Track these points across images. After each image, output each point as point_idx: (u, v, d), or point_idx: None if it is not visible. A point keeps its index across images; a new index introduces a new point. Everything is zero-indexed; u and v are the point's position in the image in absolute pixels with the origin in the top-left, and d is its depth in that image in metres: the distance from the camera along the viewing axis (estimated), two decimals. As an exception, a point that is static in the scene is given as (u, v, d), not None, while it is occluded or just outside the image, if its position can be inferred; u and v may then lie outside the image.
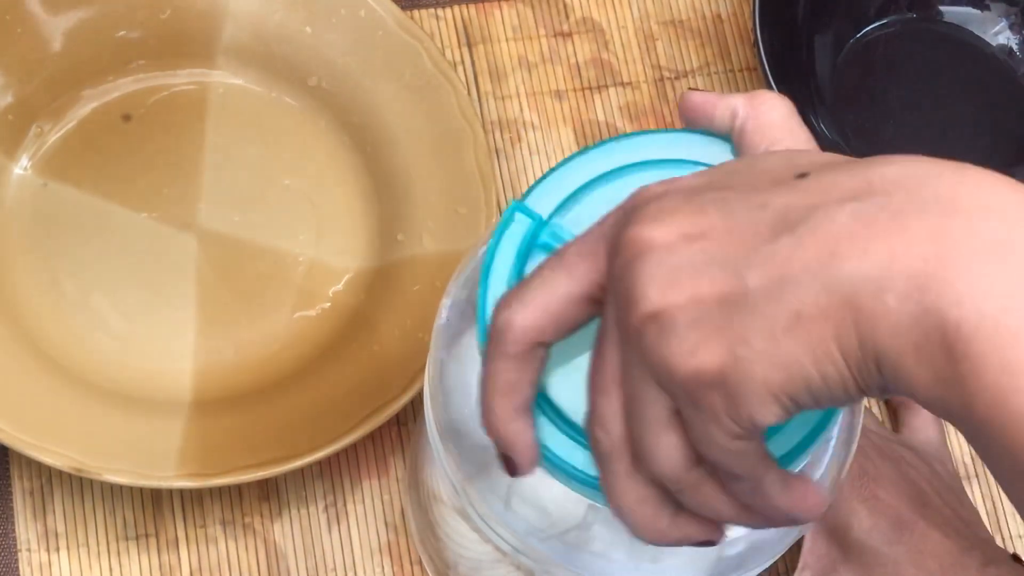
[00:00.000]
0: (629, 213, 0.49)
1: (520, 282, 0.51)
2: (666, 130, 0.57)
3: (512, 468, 0.53)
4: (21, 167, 0.81)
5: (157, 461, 0.73)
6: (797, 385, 0.46)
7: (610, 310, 0.49)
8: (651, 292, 0.47)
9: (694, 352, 0.46)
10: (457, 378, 0.59)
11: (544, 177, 0.56)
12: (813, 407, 0.47)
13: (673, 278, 0.47)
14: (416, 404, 0.79)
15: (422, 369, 0.76)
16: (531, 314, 0.50)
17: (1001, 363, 0.43)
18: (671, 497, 0.50)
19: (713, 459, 0.48)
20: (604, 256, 0.50)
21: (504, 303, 0.51)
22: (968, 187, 0.46)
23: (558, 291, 0.50)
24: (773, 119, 0.55)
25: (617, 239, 0.49)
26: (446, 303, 0.61)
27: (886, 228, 0.45)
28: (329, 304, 0.80)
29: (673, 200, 0.48)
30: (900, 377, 0.45)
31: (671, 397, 0.48)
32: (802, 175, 0.48)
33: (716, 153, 0.56)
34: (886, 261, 0.44)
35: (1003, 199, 0.46)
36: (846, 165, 0.47)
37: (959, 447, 0.81)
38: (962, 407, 0.44)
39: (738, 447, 0.48)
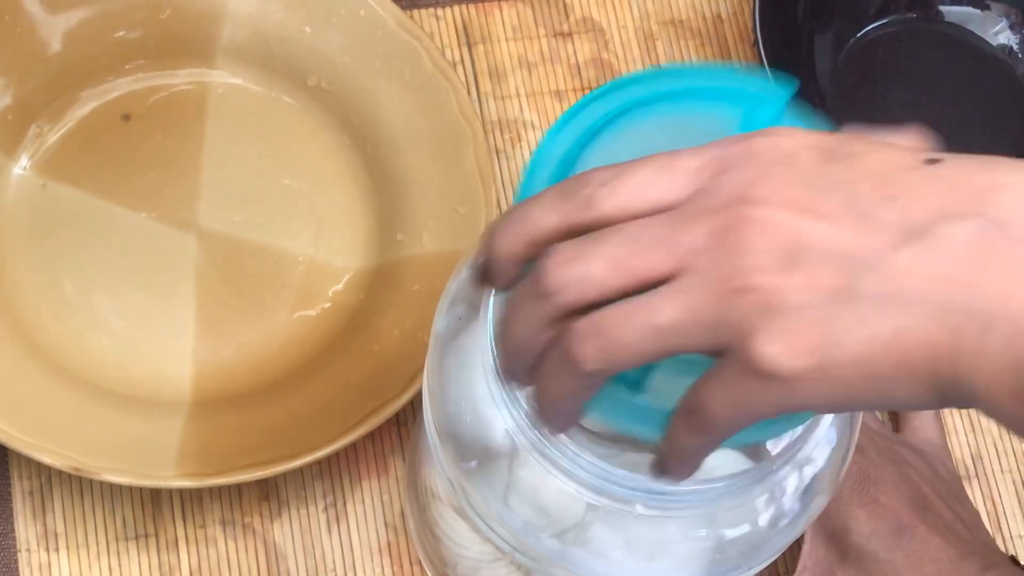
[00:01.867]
0: (744, 167, 0.47)
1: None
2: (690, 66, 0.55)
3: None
4: (20, 167, 0.81)
5: (156, 461, 0.73)
6: (871, 396, 0.46)
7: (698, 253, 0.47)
8: (764, 262, 0.45)
9: (787, 342, 0.45)
10: (456, 377, 0.59)
11: (571, 112, 0.54)
12: (865, 410, 0.47)
13: (793, 258, 0.46)
14: (416, 404, 0.79)
15: (422, 369, 0.75)
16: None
17: None
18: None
19: (713, 411, 0.47)
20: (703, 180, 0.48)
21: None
22: None
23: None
24: None
25: (735, 191, 0.47)
26: (446, 301, 0.62)
27: (1004, 259, 0.44)
28: (329, 304, 0.80)
29: (798, 172, 0.47)
30: (992, 413, 0.44)
31: (728, 350, 0.46)
32: (932, 160, 0.46)
33: (753, 89, 0.55)
34: (998, 297, 0.44)
35: None
36: (977, 160, 0.46)
37: (959, 447, 0.81)
38: None
39: (739, 422, 0.47)
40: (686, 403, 0.48)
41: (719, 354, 0.47)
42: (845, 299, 0.45)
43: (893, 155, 0.47)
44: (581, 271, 0.48)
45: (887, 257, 0.45)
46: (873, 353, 0.45)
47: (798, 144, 0.48)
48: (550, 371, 0.49)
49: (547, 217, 0.49)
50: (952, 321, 0.44)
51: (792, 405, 0.46)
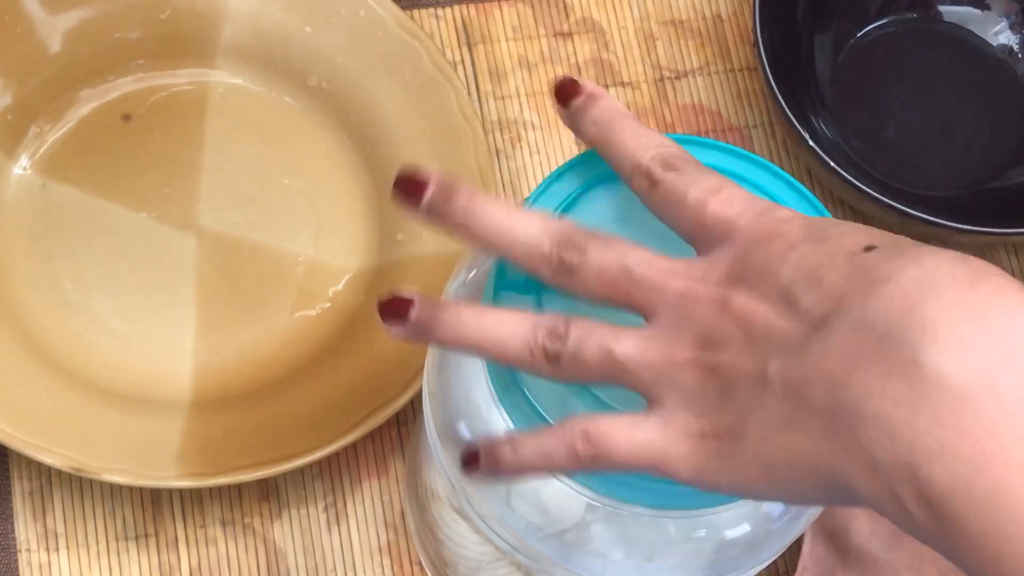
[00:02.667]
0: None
1: None
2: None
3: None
4: (21, 167, 0.81)
5: (157, 461, 0.73)
6: (762, 486, 0.48)
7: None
8: (689, 338, 0.50)
9: (696, 426, 0.49)
10: (456, 376, 0.59)
11: (551, 179, 0.57)
12: (771, 501, 0.49)
13: (712, 340, 0.49)
14: (416, 404, 0.79)
15: (421, 369, 0.75)
16: None
17: (981, 528, 0.42)
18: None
19: (614, 448, 0.50)
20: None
21: None
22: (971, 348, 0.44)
23: None
24: None
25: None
26: (448, 293, 0.62)
27: (869, 357, 0.45)
28: (329, 304, 0.80)
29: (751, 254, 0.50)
30: (881, 511, 0.45)
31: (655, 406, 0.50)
32: (869, 248, 0.48)
33: (712, 156, 0.57)
34: (862, 397, 0.44)
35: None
36: (903, 249, 0.47)
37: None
38: (947, 553, 0.44)
39: (627, 468, 0.51)
40: (587, 424, 0.51)
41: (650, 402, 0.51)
42: (754, 384, 0.48)
43: (847, 237, 0.49)
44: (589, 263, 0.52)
45: (800, 346, 0.47)
46: (768, 440, 0.47)
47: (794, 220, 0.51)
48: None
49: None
50: (841, 422, 0.45)
51: (690, 483, 0.50)
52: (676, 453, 0.50)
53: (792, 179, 0.57)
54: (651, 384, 0.50)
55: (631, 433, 0.50)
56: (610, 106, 0.56)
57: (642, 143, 0.54)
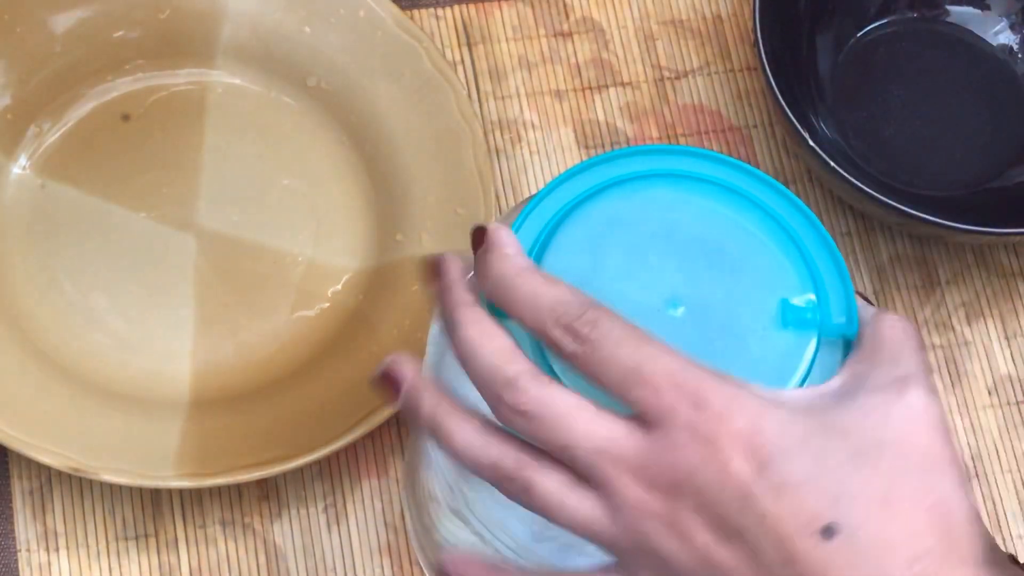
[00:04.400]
0: (684, 456, 0.50)
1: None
2: (637, 148, 0.58)
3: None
4: (20, 166, 0.81)
5: (155, 461, 0.73)
6: None
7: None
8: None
9: None
10: (453, 377, 0.59)
11: (533, 202, 0.57)
12: None
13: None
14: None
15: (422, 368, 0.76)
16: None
17: None
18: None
19: None
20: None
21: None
22: None
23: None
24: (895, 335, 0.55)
25: (674, 483, 0.50)
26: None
27: None
28: (328, 304, 0.80)
29: (723, 495, 0.50)
30: None
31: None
32: (828, 531, 0.49)
33: (697, 165, 0.57)
34: None
35: None
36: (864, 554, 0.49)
37: (959, 447, 0.81)
38: None
39: None
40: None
41: None
42: None
43: (807, 502, 0.50)
44: (535, 434, 0.52)
45: None
46: None
47: (736, 448, 0.50)
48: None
49: (525, 316, 0.53)
50: None
51: None
52: None
53: (782, 187, 0.57)
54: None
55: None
56: (504, 261, 0.54)
57: (539, 304, 0.53)
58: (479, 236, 0.54)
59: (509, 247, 0.54)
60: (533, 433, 0.51)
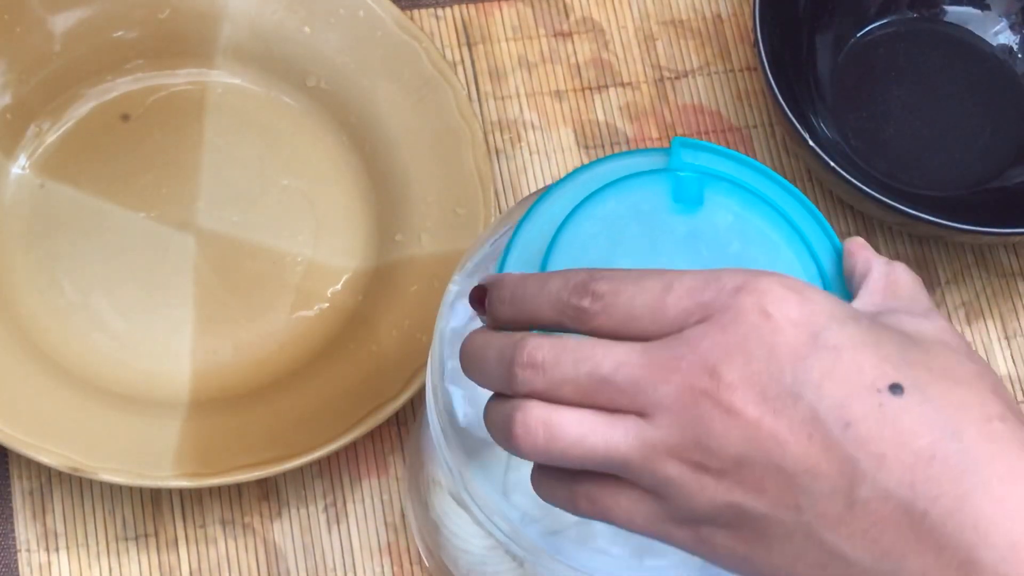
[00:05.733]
0: (722, 330, 0.49)
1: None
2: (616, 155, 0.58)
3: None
4: (19, 166, 0.81)
5: (154, 461, 0.73)
6: None
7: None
8: (716, 454, 0.49)
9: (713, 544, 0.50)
10: (459, 371, 0.59)
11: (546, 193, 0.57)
12: None
13: (743, 463, 0.48)
14: (416, 403, 0.79)
15: (420, 369, 0.76)
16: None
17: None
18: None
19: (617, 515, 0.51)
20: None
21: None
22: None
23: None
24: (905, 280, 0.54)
25: (708, 360, 0.49)
26: (452, 289, 0.62)
27: (932, 548, 0.47)
28: (327, 304, 0.80)
29: (770, 362, 0.48)
30: None
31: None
32: (895, 387, 0.48)
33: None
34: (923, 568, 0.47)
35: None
36: (936, 405, 0.48)
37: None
38: None
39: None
40: (590, 492, 0.52)
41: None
42: (780, 531, 0.48)
43: (866, 363, 0.48)
44: (554, 377, 0.50)
45: (829, 497, 0.47)
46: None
47: (784, 319, 0.48)
48: (493, 431, 0.53)
49: (543, 310, 0.52)
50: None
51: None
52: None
53: (790, 185, 0.57)
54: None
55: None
56: (507, 280, 0.54)
57: (551, 287, 0.52)
58: (480, 294, 0.54)
59: (506, 274, 0.54)
60: (554, 377, 0.50)
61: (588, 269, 0.51)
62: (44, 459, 0.72)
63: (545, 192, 0.57)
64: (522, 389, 0.51)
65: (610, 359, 0.50)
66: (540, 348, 0.50)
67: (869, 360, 0.48)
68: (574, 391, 0.50)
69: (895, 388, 0.48)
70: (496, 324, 0.53)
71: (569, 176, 0.57)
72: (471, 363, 0.54)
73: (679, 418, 0.49)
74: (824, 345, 0.48)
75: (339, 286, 0.81)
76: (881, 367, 0.48)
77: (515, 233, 0.56)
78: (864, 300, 0.53)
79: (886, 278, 0.53)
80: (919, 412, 0.47)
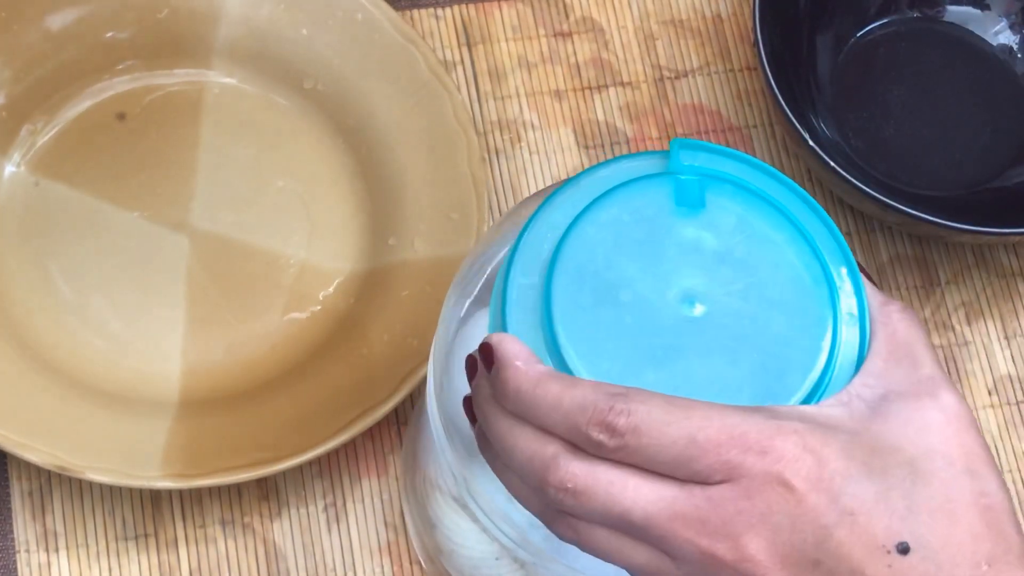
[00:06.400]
0: (759, 488, 0.50)
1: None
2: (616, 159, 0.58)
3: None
4: (14, 164, 0.81)
5: (142, 460, 0.73)
6: None
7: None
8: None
9: None
10: (462, 371, 0.59)
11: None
12: None
13: None
14: (409, 407, 0.79)
15: (411, 374, 0.75)
16: None
17: None
18: None
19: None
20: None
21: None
22: None
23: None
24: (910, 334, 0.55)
25: (739, 523, 0.50)
26: (452, 298, 0.62)
27: None
28: (319, 307, 0.80)
29: (800, 524, 0.50)
30: None
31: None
32: (903, 549, 0.50)
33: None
34: None
35: None
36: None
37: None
38: None
39: None
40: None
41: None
42: None
43: (879, 525, 0.50)
44: (584, 506, 0.51)
45: None
46: None
47: (805, 485, 0.50)
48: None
49: (558, 429, 0.52)
50: None
51: None
52: None
53: (790, 181, 0.57)
54: None
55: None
56: (519, 375, 0.53)
57: (566, 409, 0.52)
58: (488, 353, 0.54)
59: (519, 358, 0.53)
60: (585, 506, 0.51)
61: (607, 392, 0.51)
62: (32, 457, 0.72)
63: (546, 199, 0.57)
64: (554, 504, 0.52)
65: (640, 507, 0.51)
66: (574, 477, 0.51)
67: (881, 521, 0.50)
68: (603, 521, 0.52)
69: (902, 548, 0.50)
70: (502, 404, 0.54)
71: (569, 182, 0.57)
72: (494, 457, 0.54)
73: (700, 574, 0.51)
74: (843, 510, 0.50)
75: (331, 289, 0.80)
76: (890, 525, 0.50)
77: (517, 242, 0.56)
78: (867, 376, 0.54)
79: (884, 329, 0.54)
80: (922, 571, 0.50)
